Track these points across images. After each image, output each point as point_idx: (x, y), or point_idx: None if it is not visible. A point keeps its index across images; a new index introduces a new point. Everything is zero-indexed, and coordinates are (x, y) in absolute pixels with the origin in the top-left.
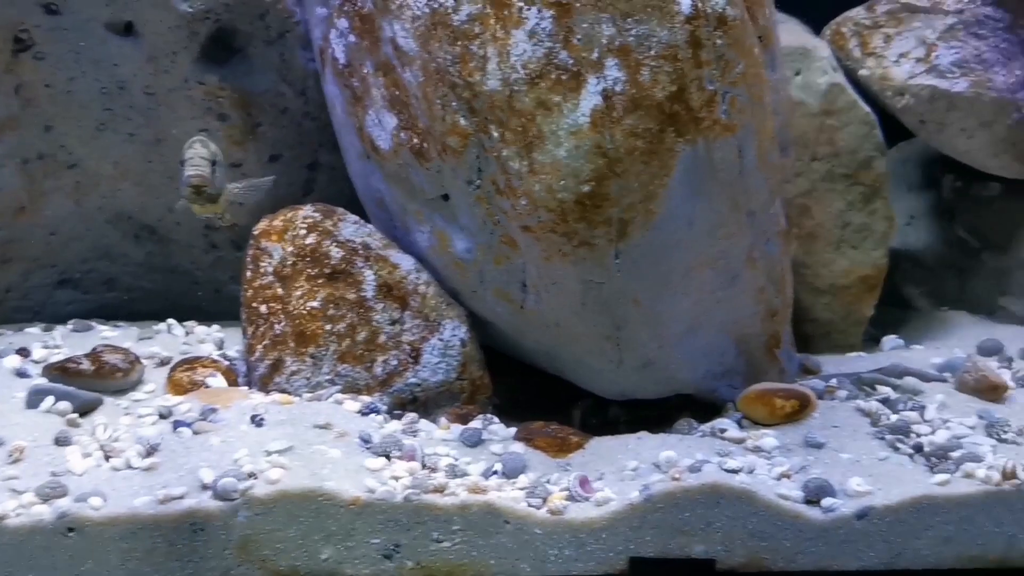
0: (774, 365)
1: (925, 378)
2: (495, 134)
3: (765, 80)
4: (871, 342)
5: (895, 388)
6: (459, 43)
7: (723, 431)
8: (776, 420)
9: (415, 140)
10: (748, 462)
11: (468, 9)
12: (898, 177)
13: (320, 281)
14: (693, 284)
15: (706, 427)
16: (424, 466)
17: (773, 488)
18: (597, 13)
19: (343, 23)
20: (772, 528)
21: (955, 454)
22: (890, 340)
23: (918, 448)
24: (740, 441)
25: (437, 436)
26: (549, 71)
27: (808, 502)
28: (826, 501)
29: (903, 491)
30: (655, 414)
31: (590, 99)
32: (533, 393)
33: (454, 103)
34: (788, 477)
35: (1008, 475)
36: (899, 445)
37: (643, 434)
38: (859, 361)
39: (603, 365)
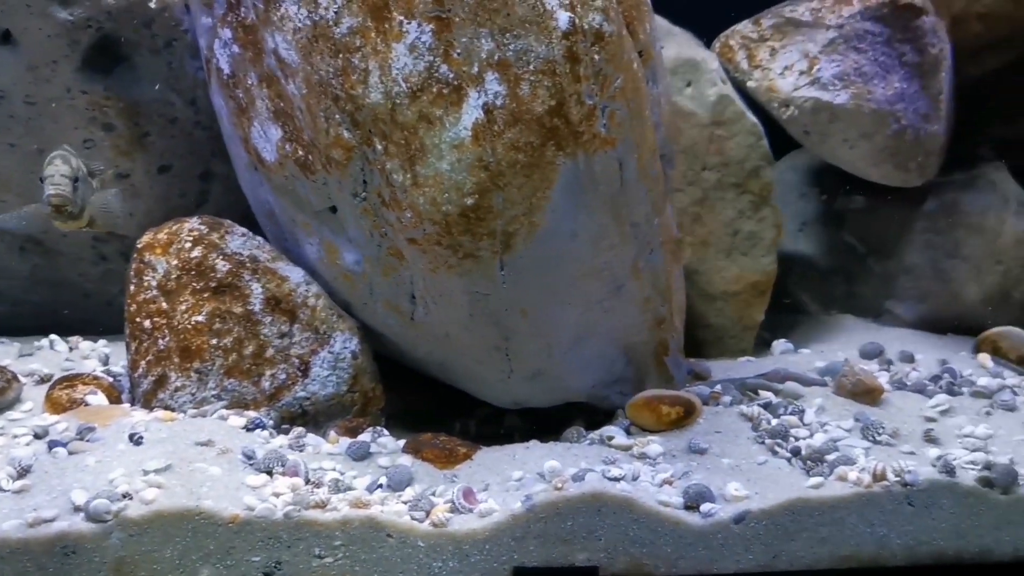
0: (663, 372)
1: (805, 382)
2: (379, 147)
3: (645, 94)
4: (763, 346)
5: (777, 393)
6: (341, 56)
7: (611, 438)
8: (662, 427)
9: (300, 152)
10: (632, 469)
11: (349, 22)
12: (790, 185)
13: (206, 295)
14: (579, 294)
15: (595, 435)
16: (308, 481)
17: (654, 495)
18: (476, 27)
19: (227, 33)
20: (653, 534)
21: (830, 457)
22: (780, 344)
23: (796, 452)
24: (627, 448)
25: (324, 450)
26: (430, 85)
27: (688, 508)
28: (705, 507)
29: (779, 494)
30: (553, 422)
31: (471, 113)
32: (435, 403)
33: (337, 116)
34: (670, 484)
35: (878, 477)
36: (777, 449)
37: (532, 443)
38: (746, 366)
39: (493, 375)
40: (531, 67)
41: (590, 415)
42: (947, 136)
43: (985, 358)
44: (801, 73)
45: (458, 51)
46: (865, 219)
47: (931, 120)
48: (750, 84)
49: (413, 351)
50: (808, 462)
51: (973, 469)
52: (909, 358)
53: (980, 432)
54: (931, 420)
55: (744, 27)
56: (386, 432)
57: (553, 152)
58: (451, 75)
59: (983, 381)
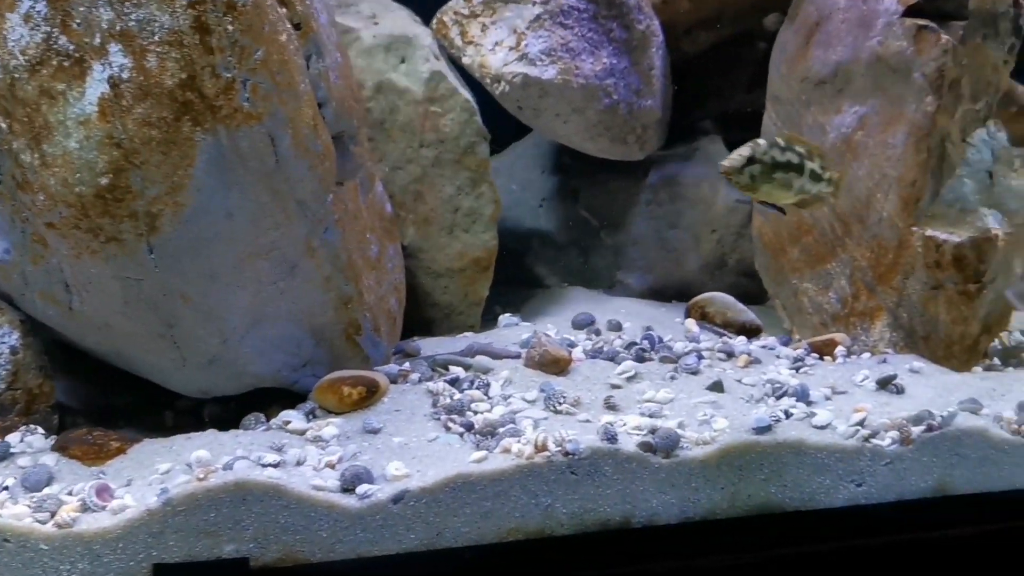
0: (356, 352)
1: (497, 356)
2: (3, 125)
3: (297, 67)
4: (493, 321)
5: (467, 368)
6: None
7: (287, 423)
8: (346, 408)
9: None
10: (299, 454)
11: None
12: (533, 160)
13: None
14: (248, 276)
15: (277, 421)
16: None
17: (310, 480)
18: None
19: None
20: (306, 520)
21: (502, 430)
22: (505, 318)
23: (469, 426)
24: (302, 432)
25: None
26: (50, 57)
27: (345, 491)
28: (361, 488)
29: (441, 471)
30: (259, 408)
31: (96, 87)
32: (142, 397)
33: None
34: (332, 467)
35: (540, 448)
36: (450, 425)
37: (198, 434)
38: (456, 343)
39: (168, 364)
40: (156, 38)
41: (297, 399)
42: (665, 111)
43: (691, 323)
44: (510, 49)
45: (77, 21)
46: (597, 193)
47: (644, 95)
48: (465, 60)
49: (82, 342)
50: (479, 436)
51: (638, 435)
52: (617, 327)
53: (661, 397)
54: (616, 387)
55: (457, 3)
56: (39, 430)
57: (190, 127)
58: (71, 47)
59: (679, 346)
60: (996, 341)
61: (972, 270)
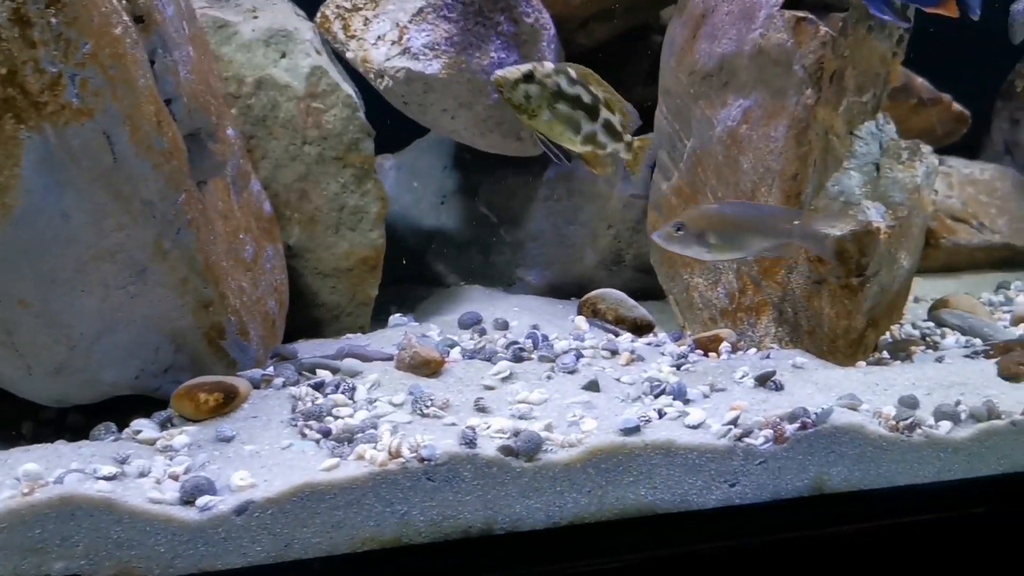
0: (221, 357)
1: (368, 358)
2: None
3: (134, 60)
4: (383, 322)
5: (335, 371)
6: None
7: (138, 432)
8: (202, 415)
9: None
10: (144, 465)
11: None
12: (435, 157)
13: None
14: (92, 280)
15: (129, 430)
16: None
17: (147, 492)
18: None
19: None
20: (141, 535)
21: (360, 435)
22: (395, 318)
23: (326, 433)
24: (152, 442)
25: None
26: None
27: (185, 503)
28: (202, 500)
29: (288, 480)
30: (117, 418)
31: None
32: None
33: None
34: (176, 478)
35: (394, 454)
36: (307, 431)
37: (34, 446)
38: (340, 345)
39: (12, 373)
40: None
41: (164, 406)
42: None
43: (581, 320)
44: (393, 43)
45: None
46: (497, 190)
47: None
48: (348, 55)
49: None
50: (335, 443)
51: (501, 438)
52: (503, 326)
53: (534, 397)
54: (489, 388)
55: None
56: None
57: (13, 125)
58: None
59: (560, 345)
60: (887, 334)
61: (854, 263)
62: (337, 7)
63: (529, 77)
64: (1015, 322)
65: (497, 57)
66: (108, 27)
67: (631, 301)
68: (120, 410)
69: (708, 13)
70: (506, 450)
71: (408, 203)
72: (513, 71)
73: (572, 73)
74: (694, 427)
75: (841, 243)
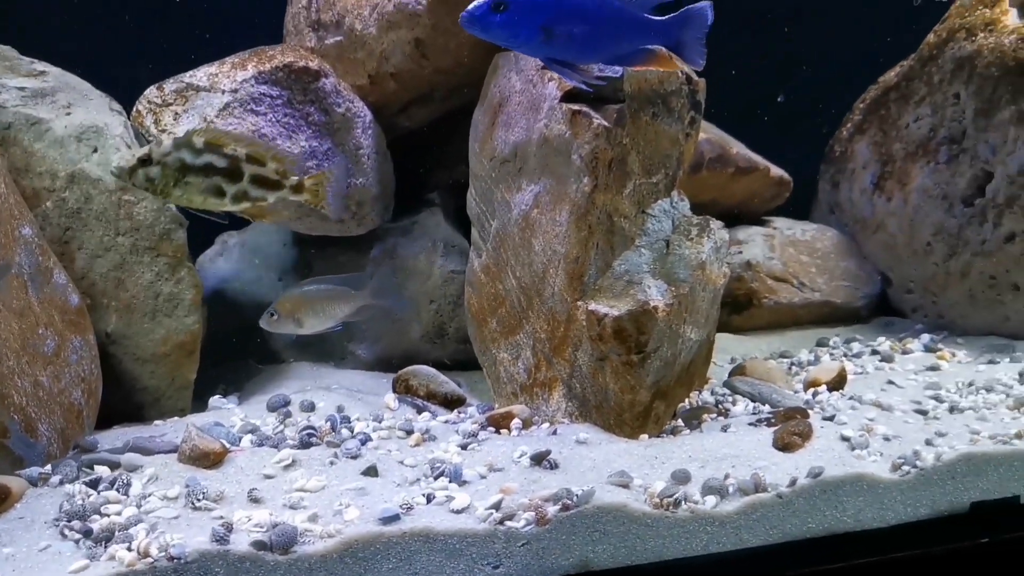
0: (5, 455)
1: (150, 451)
2: None
3: None
4: (203, 404)
5: (115, 466)
6: None
7: None
8: None
9: None
10: None
11: None
12: (275, 234)
13: None
14: None
15: None
16: None
17: None
18: None
19: None
20: None
21: (119, 534)
22: (215, 400)
23: (87, 533)
24: None
25: None
26: None
27: None
28: None
29: None
30: None
31: None
32: None
33: None
34: None
35: (143, 553)
36: (67, 532)
37: None
38: (154, 431)
39: None
40: None
41: None
42: (383, 186)
43: (391, 398)
44: None
45: None
46: (329, 266)
47: (354, 174)
48: None
49: None
50: (94, 543)
51: (258, 532)
52: (310, 407)
53: (311, 485)
54: (269, 477)
55: (150, 92)
56: None
57: None
58: None
59: (359, 426)
60: (686, 402)
61: (633, 342)
62: (149, 103)
63: (146, 161)
64: (807, 386)
65: (309, 146)
66: None
67: (442, 377)
68: None
69: (504, 102)
70: (259, 545)
71: (248, 280)
72: (127, 158)
73: (198, 143)
74: (458, 512)
75: (619, 322)
